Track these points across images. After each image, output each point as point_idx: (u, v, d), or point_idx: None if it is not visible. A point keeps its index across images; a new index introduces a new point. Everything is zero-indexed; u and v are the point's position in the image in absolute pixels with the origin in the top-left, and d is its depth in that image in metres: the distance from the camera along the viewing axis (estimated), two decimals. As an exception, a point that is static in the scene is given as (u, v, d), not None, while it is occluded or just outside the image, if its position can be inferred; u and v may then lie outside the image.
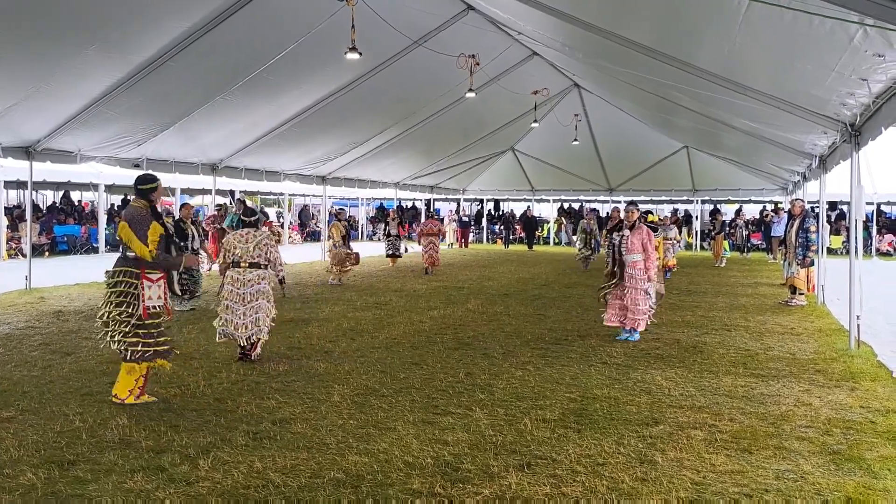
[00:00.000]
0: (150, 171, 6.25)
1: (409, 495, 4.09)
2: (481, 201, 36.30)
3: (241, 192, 22.10)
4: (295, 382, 6.62)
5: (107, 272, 5.99)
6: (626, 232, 8.87)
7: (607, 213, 25.36)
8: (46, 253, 22.18)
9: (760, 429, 5.35)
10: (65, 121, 12.45)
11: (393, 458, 4.66)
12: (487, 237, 35.14)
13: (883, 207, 29.76)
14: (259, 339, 7.39)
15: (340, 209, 20.14)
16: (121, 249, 5.99)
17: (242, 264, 7.27)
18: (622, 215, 9.45)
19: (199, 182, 24.76)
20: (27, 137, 12.94)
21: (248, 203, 8.73)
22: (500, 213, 37.76)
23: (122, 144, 14.03)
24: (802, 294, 12.66)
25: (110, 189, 29.80)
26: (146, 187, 6.03)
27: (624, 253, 8.80)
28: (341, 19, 10.96)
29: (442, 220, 36.44)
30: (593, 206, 36.26)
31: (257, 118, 15.25)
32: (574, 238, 33.35)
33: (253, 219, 7.53)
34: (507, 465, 4.57)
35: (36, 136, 12.93)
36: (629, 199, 30.77)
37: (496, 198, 35.57)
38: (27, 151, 13.18)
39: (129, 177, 22.98)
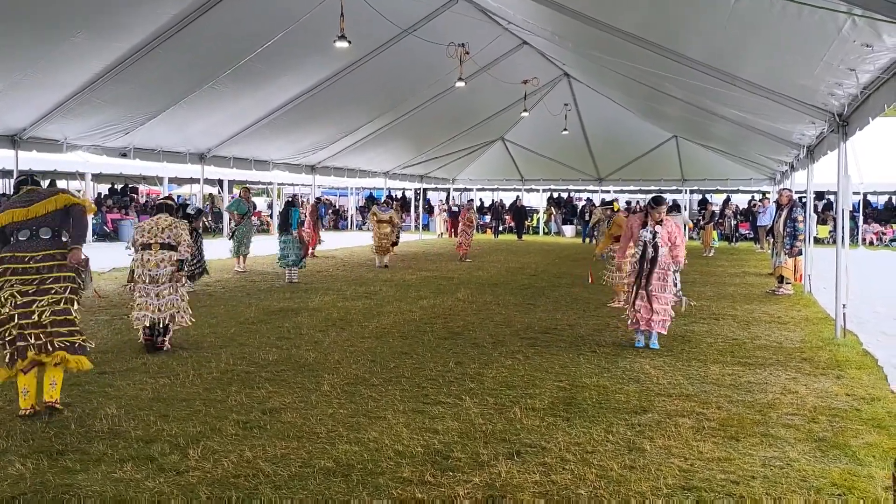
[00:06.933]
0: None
1: (399, 484, 4.11)
2: (424, 191, 35.48)
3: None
4: (285, 372, 6.62)
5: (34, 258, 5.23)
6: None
7: (602, 201, 25.44)
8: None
9: (747, 416, 5.40)
10: (51, 109, 12.32)
11: (383, 446, 4.67)
12: (477, 227, 35.06)
13: (870, 197, 29.97)
14: (172, 326, 7.40)
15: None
16: (42, 232, 5.31)
17: (154, 247, 7.25)
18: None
19: (187, 171, 24.63)
20: (12, 126, 12.80)
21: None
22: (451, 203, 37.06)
23: (109, 133, 13.92)
24: (790, 283, 12.75)
25: (97, 178, 29.61)
26: None
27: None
28: (330, 7, 10.91)
29: (432, 210, 36.43)
30: (583, 195, 36.35)
31: (246, 107, 15.16)
32: (563, 227, 33.69)
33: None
34: (496, 453, 4.59)
35: (21, 124, 12.79)
36: (618, 189, 30.90)
37: (448, 187, 34.25)
38: (13, 140, 13.04)
39: (116, 166, 23.01)
